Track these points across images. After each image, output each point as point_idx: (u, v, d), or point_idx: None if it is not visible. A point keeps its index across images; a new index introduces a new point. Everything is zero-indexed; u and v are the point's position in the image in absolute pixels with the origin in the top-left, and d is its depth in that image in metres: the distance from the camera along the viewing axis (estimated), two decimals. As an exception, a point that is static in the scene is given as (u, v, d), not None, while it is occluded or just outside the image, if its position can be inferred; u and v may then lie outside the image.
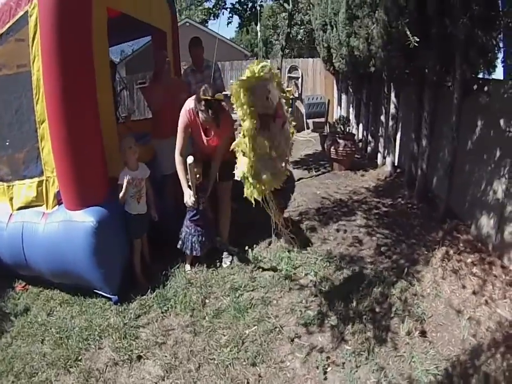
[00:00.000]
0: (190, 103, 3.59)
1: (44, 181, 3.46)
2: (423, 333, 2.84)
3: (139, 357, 2.87)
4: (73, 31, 3.11)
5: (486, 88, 3.98)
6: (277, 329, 3.03)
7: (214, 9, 8.32)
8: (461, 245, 3.92)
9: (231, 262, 3.95)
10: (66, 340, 3.05)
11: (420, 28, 3.97)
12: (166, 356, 2.85)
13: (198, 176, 3.68)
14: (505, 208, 3.60)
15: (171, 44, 5.64)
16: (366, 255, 3.90)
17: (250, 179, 2.83)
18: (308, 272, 3.63)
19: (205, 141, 3.74)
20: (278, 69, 6.51)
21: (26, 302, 3.57)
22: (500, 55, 3.85)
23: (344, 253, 3.95)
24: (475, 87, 4.13)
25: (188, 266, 3.89)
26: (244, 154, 2.83)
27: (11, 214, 3.63)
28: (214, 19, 8.37)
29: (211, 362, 2.79)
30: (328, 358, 2.71)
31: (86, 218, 3.26)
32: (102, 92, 3.45)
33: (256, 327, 3.06)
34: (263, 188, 2.89)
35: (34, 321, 3.31)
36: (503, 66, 4.04)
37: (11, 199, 3.65)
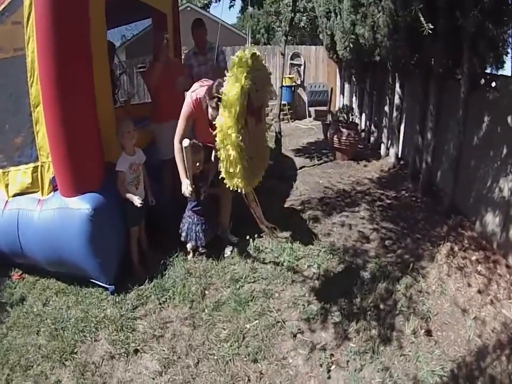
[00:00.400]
0: (198, 91, 3.45)
1: (39, 167, 3.34)
2: (428, 332, 2.78)
3: (136, 351, 2.78)
4: (69, 11, 2.95)
5: (493, 84, 3.91)
6: (279, 323, 2.94)
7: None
8: (466, 241, 3.87)
9: (231, 251, 3.84)
10: (62, 332, 2.95)
11: (427, 19, 3.89)
12: (163, 350, 2.76)
13: (198, 164, 3.58)
14: (511, 206, 3.54)
15: (172, 27, 5.52)
16: (370, 248, 3.82)
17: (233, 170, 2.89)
18: (311, 264, 3.54)
19: (208, 132, 3.53)
20: (282, 54, 6.39)
21: (22, 291, 3.47)
22: (510, 51, 3.78)
23: (348, 245, 3.87)
24: (482, 81, 4.06)
25: (189, 256, 3.79)
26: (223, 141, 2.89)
27: (7, 201, 3.51)
28: (216, 2, 8.21)
29: (210, 357, 2.70)
30: (332, 355, 2.64)
31: (82, 205, 3.15)
32: (99, 74, 3.32)
33: (257, 321, 2.97)
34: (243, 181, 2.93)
35: (30, 312, 3.21)
36: (512, 62, 3.99)
37: (6, 185, 3.52)
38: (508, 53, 3.80)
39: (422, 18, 3.15)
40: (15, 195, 3.49)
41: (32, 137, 3.30)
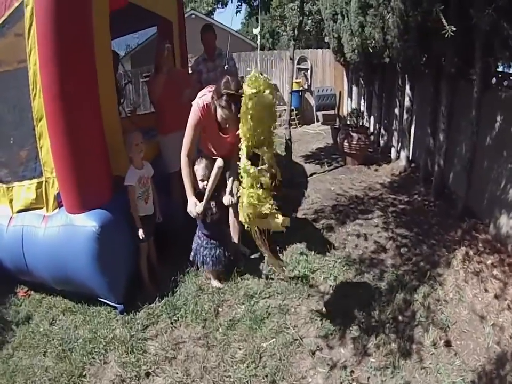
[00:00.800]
0: (204, 97, 3.22)
1: (43, 182, 3.26)
2: (447, 342, 2.75)
3: (147, 374, 2.66)
4: (71, 21, 2.87)
5: (506, 82, 3.88)
6: (297, 341, 2.84)
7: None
8: (480, 245, 3.83)
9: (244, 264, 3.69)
10: (69, 353, 2.86)
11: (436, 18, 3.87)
12: (177, 373, 2.65)
13: (206, 184, 3.35)
14: (526, 208, 3.49)
15: (177, 34, 5.42)
16: (386, 257, 3.79)
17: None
18: (327, 277, 3.48)
19: (220, 140, 3.41)
20: (290, 59, 6.38)
21: (28, 310, 3.39)
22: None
23: (364, 255, 3.83)
24: (494, 80, 4.04)
25: (214, 282, 3.53)
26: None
27: (11, 217, 3.46)
28: (223, 7, 8.22)
29: (226, 380, 2.59)
30: (352, 373, 2.57)
31: (88, 222, 3.05)
32: (104, 85, 3.24)
33: (274, 339, 2.87)
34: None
35: (36, 331, 3.13)
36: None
37: (11, 201, 3.48)
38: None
39: (443, 20, 3.09)
40: (19, 211, 3.44)
41: (36, 152, 3.23)
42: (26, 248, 3.29)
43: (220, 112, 3.09)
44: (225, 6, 8.19)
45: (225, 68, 4.87)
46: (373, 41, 5.84)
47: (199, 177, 3.33)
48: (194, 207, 3.22)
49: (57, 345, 2.95)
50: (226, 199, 3.41)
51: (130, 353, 2.82)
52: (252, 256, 3.88)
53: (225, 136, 3.38)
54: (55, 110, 2.96)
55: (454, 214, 4.49)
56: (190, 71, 5.36)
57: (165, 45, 4.04)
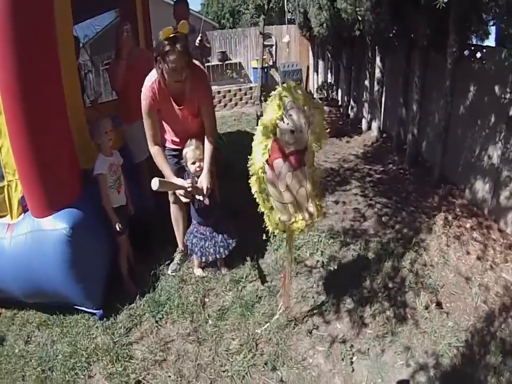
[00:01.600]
0: (151, 74, 2.85)
1: (6, 187, 2.89)
2: (439, 305, 2.81)
3: (138, 382, 2.47)
4: (31, 3, 2.52)
5: (479, 54, 3.93)
6: (292, 322, 2.76)
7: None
8: (458, 209, 3.94)
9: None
10: (50, 373, 2.61)
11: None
12: (169, 376, 2.48)
13: (199, 165, 3.02)
14: (501, 173, 3.62)
15: (141, 12, 4.97)
16: (369, 227, 3.81)
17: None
18: (313, 252, 3.45)
19: (179, 115, 2.99)
20: (261, 33, 6.21)
21: (0, 330, 3.10)
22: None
23: (347, 226, 3.84)
24: (467, 52, 4.09)
25: (197, 271, 3.35)
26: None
27: None
28: None
29: (224, 375, 2.46)
30: (351, 346, 2.56)
31: (57, 224, 2.74)
32: (67, 74, 2.90)
33: (268, 324, 2.74)
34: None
35: (11, 353, 2.83)
36: (495, 34, 4.08)
37: None
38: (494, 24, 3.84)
39: None
40: None
41: None
42: None
43: (167, 69, 2.64)
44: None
45: (196, 43, 4.69)
46: (345, 14, 5.75)
47: (189, 161, 3.02)
48: (186, 186, 2.86)
49: (35, 366, 2.69)
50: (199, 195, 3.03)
51: (115, 362, 2.61)
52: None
53: (179, 108, 2.97)
54: (15, 104, 2.60)
55: (430, 181, 4.57)
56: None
57: (123, 27, 3.73)
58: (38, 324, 3.07)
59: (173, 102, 2.92)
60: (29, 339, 2.97)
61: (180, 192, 2.90)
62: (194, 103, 2.95)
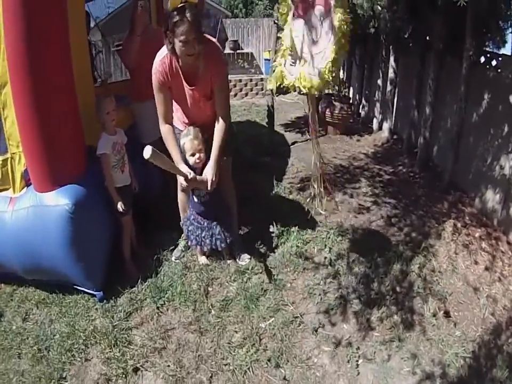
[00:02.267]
0: (163, 49, 2.69)
1: (9, 159, 2.83)
2: (447, 313, 2.75)
3: (136, 369, 2.40)
4: None
5: (494, 62, 3.88)
6: (297, 319, 2.70)
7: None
8: (467, 218, 3.88)
9: (250, 259, 3.26)
10: (46, 352, 2.56)
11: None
12: (168, 365, 2.41)
13: (198, 157, 2.83)
14: (512, 184, 3.55)
15: None
16: (378, 227, 3.74)
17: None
18: (321, 248, 3.38)
19: (190, 96, 2.81)
20: (275, 22, 6.13)
21: None
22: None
23: (356, 224, 3.76)
24: (482, 59, 4.03)
25: (201, 259, 3.25)
26: None
27: None
28: None
29: (225, 368, 2.40)
30: (358, 349, 2.50)
31: (60, 200, 2.67)
32: (77, 46, 2.82)
33: (273, 319, 2.69)
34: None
35: (9, 330, 2.78)
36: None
37: None
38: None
39: None
40: None
41: (0, 125, 2.80)
42: None
43: (178, 42, 2.48)
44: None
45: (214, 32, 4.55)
46: (361, 10, 5.67)
47: (188, 152, 2.81)
48: (188, 176, 2.67)
49: (32, 345, 2.64)
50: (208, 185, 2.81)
51: (114, 346, 2.54)
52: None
53: (196, 93, 2.80)
54: (21, 73, 2.51)
55: (440, 187, 4.51)
56: None
57: (138, 2, 3.60)
58: (37, 301, 3.01)
59: (184, 82, 2.75)
60: (27, 316, 2.91)
61: (181, 179, 2.71)
62: (207, 82, 2.75)
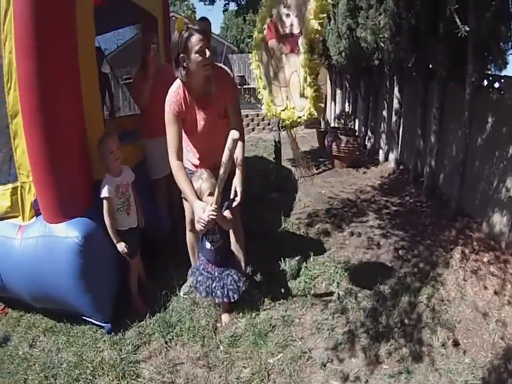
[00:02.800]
0: (175, 83, 2.80)
1: (19, 188, 2.89)
2: (455, 342, 2.75)
3: None
4: (53, 4, 2.54)
5: (497, 84, 3.95)
6: (306, 354, 2.68)
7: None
8: (475, 243, 3.89)
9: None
10: (53, 380, 2.56)
11: (429, 19, 3.93)
12: None
13: (217, 196, 2.62)
14: (519, 206, 3.56)
15: (162, 31, 5.07)
16: (386, 260, 3.78)
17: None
18: (329, 283, 3.42)
19: (204, 120, 2.84)
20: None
21: (5, 329, 3.08)
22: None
23: (363, 259, 3.81)
24: (485, 83, 4.11)
25: (225, 318, 3.07)
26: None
27: None
28: (210, 4, 8.09)
29: None
30: (366, 382, 2.50)
31: (69, 232, 2.71)
32: (87, 80, 2.90)
33: (281, 354, 2.67)
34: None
35: (15, 354, 2.82)
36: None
37: None
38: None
39: (457, 20, 2.94)
40: None
41: (10, 153, 2.86)
42: (1, 261, 2.95)
43: (194, 56, 2.56)
44: (213, 4, 8.06)
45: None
46: (365, 43, 5.83)
47: (206, 192, 2.74)
48: (202, 211, 2.60)
49: (38, 371, 2.64)
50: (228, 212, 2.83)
51: (121, 378, 2.53)
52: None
53: (210, 115, 2.84)
54: (32, 105, 2.60)
55: (447, 214, 4.54)
56: None
57: (151, 45, 3.77)
58: (44, 329, 3.05)
59: (197, 108, 2.81)
60: (34, 343, 2.95)
61: (200, 217, 2.61)
62: (220, 101, 2.83)
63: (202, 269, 2.99)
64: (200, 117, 2.83)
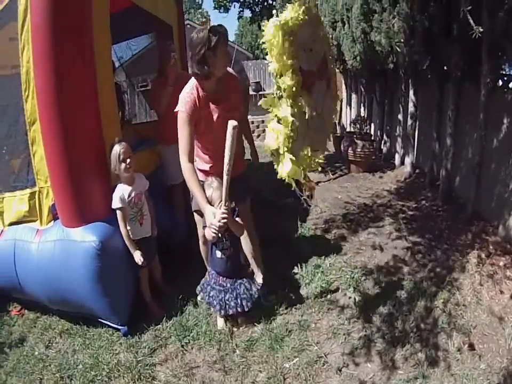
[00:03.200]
0: (188, 84, 2.86)
1: (37, 193, 2.97)
2: (471, 347, 2.75)
3: None
4: (70, 14, 2.63)
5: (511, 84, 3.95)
6: (322, 359, 2.68)
7: (225, 1, 8.12)
8: (491, 247, 3.86)
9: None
10: (68, 381, 2.61)
11: (443, 20, 3.94)
12: None
13: (224, 194, 2.62)
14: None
15: (177, 39, 5.08)
16: (402, 265, 3.78)
17: (289, 154, 2.33)
18: (345, 288, 3.43)
19: (217, 114, 2.87)
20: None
21: (22, 330, 3.16)
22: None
23: (380, 264, 3.82)
24: (500, 83, 4.10)
25: (219, 323, 3.09)
26: (278, 121, 2.36)
27: (2, 230, 3.18)
28: (225, 12, 8.18)
29: None
30: None
31: (87, 237, 2.77)
32: (104, 87, 2.96)
33: (297, 359, 2.68)
34: (303, 166, 2.48)
35: (31, 355, 2.88)
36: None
37: (1, 213, 3.19)
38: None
39: (471, 21, 2.91)
40: (11, 224, 3.16)
41: (29, 159, 2.95)
42: (18, 264, 3.02)
43: (221, 55, 2.67)
44: (227, 12, 8.20)
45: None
46: (379, 47, 5.85)
47: (217, 201, 2.72)
48: (213, 217, 2.59)
49: (54, 372, 2.69)
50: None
51: (137, 380, 2.57)
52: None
53: (221, 109, 2.89)
54: (50, 113, 2.69)
55: (463, 218, 4.52)
56: None
57: (171, 53, 3.89)
58: (60, 331, 3.12)
59: (211, 103, 2.86)
60: (50, 344, 3.01)
61: (211, 223, 2.60)
62: (231, 96, 2.92)
63: (214, 283, 2.99)
64: (215, 113, 2.88)
